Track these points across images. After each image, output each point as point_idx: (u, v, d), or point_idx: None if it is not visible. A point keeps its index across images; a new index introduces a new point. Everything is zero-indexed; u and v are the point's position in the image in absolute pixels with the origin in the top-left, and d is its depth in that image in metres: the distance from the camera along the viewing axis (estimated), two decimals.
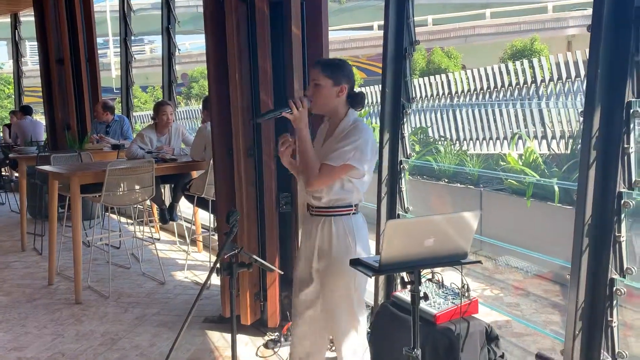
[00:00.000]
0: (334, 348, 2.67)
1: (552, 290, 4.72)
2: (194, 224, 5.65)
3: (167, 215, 5.34)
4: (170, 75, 6.81)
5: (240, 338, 3.57)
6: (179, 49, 6.75)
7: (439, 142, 7.62)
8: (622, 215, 2.08)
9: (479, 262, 1.94)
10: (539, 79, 9.60)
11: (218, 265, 2.17)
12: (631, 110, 2.02)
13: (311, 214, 2.41)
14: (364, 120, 2.49)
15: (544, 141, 8.42)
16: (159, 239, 6.11)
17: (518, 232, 5.13)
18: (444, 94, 10.24)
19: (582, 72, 8.36)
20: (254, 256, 2.19)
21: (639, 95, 2.02)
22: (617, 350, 2.14)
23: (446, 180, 6.49)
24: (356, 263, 2.03)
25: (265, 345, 3.46)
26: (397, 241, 1.84)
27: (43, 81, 7.87)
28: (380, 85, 3.44)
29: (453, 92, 9.73)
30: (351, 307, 2.39)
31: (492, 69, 10.13)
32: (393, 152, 3.35)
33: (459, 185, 6.26)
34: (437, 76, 10.44)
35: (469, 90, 10.22)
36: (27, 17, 10.22)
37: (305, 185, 2.31)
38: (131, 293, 4.47)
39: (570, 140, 6.59)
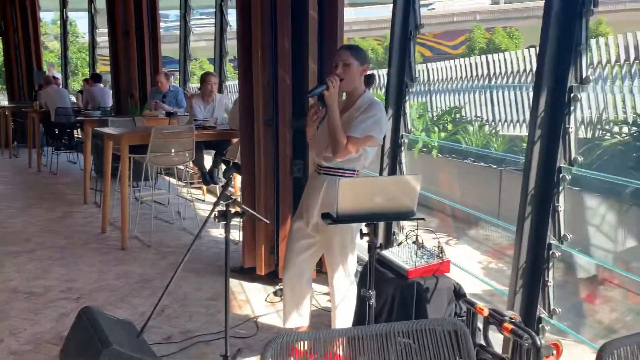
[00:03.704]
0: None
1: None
2: (233, 187, 6.16)
3: (208, 177, 5.88)
4: (221, 49, 7.33)
5: (255, 286, 4.05)
6: (230, 25, 7.23)
7: (473, 122, 7.75)
8: (561, 188, 2.33)
9: (423, 218, 2.26)
10: (595, 61, 9.40)
11: (216, 212, 2.62)
12: (572, 94, 2.26)
13: (319, 172, 2.80)
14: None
15: None
16: (203, 200, 6.71)
17: None
18: (481, 74, 10.17)
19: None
20: (244, 206, 2.61)
21: (581, 82, 2.26)
22: (552, 307, 2.41)
23: (472, 159, 6.68)
24: (324, 216, 2.41)
25: (275, 293, 3.92)
26: (350, 197, 2.20)
27: (110, 52, 8.56)
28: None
29: (491, 74, 9.71)
30: (345, 248, 2.77)
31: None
32: (396, 127, 3.67)
33: (482, 164, 6.44)
34: (477, 57, 10.42)
35: (520, 71, 10.12)
36: None
37: (334, 155, 2.64)
38: (170, 244, 5.05)
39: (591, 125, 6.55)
